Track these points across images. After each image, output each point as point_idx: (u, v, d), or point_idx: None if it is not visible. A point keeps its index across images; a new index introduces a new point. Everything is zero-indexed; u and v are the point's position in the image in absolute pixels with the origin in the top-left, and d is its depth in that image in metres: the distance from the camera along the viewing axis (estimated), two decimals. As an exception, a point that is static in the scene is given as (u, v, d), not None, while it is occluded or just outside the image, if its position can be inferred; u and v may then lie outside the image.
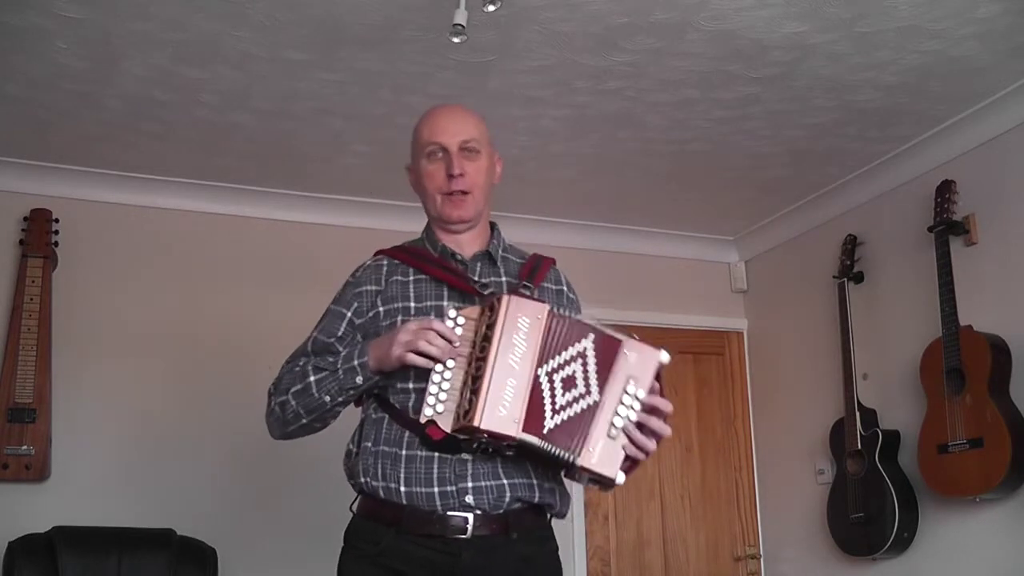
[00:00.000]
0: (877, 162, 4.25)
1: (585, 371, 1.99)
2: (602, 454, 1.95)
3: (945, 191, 3.85)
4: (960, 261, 3.76)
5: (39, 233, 3.97)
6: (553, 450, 1.95)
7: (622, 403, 1.97)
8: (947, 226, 3.80)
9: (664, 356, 2.01)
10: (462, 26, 2.84)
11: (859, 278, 4.36)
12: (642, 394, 1.99)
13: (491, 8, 2.79)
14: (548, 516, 2.15)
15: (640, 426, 1.99)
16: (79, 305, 4.06)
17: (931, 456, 3.71)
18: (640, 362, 1.99)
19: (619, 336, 2.01)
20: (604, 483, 2.00)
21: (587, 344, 2.01)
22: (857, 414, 4.10)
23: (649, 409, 2.00)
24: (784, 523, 4.76)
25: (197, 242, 4.32)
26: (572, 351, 2.00)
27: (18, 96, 3.53)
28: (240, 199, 4.38)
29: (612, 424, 1.96)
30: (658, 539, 4.78)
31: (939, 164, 4.00)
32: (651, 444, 2.00)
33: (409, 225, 4.13)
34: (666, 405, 2.02)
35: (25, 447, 3.76)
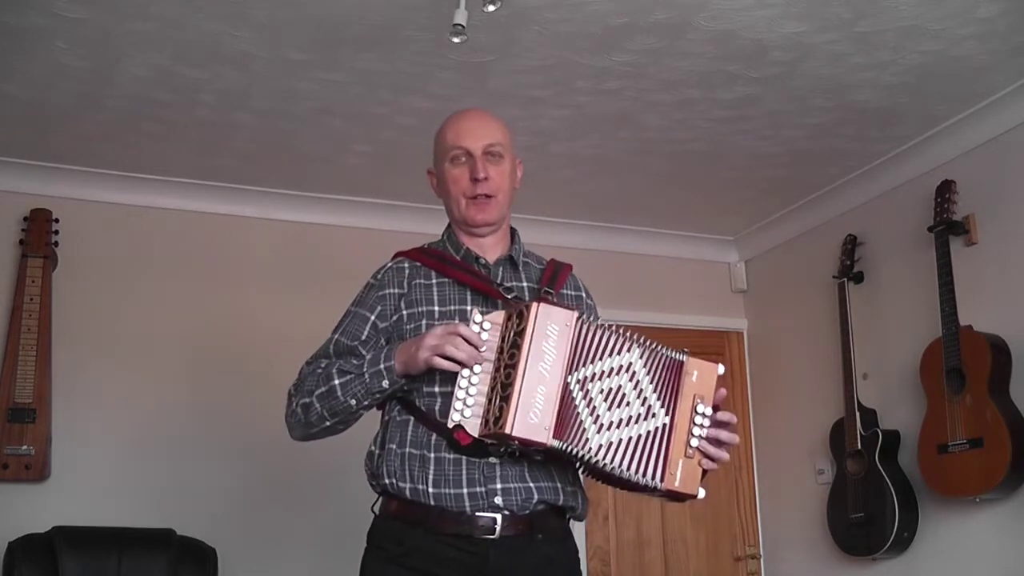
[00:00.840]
0: (877, 162, 4.25)
1: (638, 389, 2.02)
2: (684, 475, 2.01)
3: (945, 191, 3.85)
4: (960, 261, 3.76)
5: (39, 233, 3.97)
6: (626, 474, 1.98)
7: (694, 423, 2.03)
8: (947, 226, 3.80)
9: (721, 369, 2.08)
10: (462, 26, 2.84)
11: (859, 278, 4.35)
12: (709, 411, 2.05)
13: (491, 8, 2.80)
14: (567, 518, 2.17)
15: (710, 439, 2.05)
16: (79, 305, 4.05)
17: (931, 456, 3.71)
18: (702, 379, 2.05)
19: (676, 355, 2.05)
20: (682, 500, 2.06)
21: (632, 359, 2.02)
22: (857, 414, 4.09)
23: (717, 423, 2.06)
24: (784, 523, 4.76)
25: (197, 242, 4.32)
26: (612, 363, 2.01)
27: (18, 96, 3.53)
28: (240, 199, 4.38)
29: (688, 444, 2.02)
30: (658, 539, 4.78)
31: (939, 164, 4.00)
32: (725, 455, 2.07)
33: (409, 225, 4.19)
34: (732, 418, 2.09)
35: (25, 447, 3.77)
